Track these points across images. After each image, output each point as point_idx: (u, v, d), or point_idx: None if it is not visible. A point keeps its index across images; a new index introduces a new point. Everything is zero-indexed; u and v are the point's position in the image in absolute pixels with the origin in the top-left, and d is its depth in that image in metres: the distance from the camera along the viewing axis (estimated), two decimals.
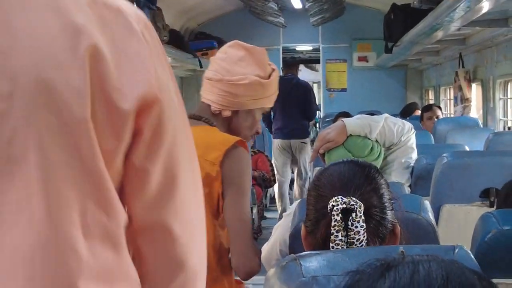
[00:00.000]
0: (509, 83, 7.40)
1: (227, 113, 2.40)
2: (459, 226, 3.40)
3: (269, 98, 2.44)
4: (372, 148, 3.10)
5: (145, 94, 1.14)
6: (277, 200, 8.70)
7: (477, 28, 6.36)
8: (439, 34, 6.35)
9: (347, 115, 6.64)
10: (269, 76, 2.41)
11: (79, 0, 1.11)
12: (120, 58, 1.12)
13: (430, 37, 6.61)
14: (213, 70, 2.42)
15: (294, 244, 2.09)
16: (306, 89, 8.48)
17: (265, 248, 2.69)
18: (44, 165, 1.07)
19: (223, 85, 2.37)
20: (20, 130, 1.06)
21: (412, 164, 3.52)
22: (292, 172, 8.84)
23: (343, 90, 12.71)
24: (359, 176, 1.67)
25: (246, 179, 2.34)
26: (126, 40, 1.14)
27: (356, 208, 1.58)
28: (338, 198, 1.59)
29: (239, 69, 2.36)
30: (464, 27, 5.93)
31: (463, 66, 8.46)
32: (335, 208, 1.58)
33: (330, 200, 1.59)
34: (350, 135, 3.09)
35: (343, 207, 1.58)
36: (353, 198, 1.60)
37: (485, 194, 3.44)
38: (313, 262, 1.37)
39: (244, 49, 2.41)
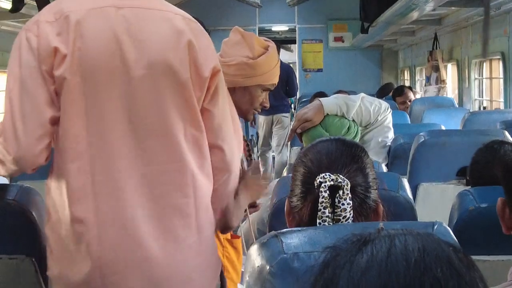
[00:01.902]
0: (484, 63, 7.44)
1: None
2: (436, 204, 3.43)
3: (264, 76, 2.76)
4: (349, 128, 3.11)
5: (214, 67, 2.01)
6: (260, 165, 9.06)
7: (453, 8, 6.38)
8: (415, 15, 6.37)
9: (323, 95, 6.66)
10: (259, 56, 2.73)
11: (177, 16, 2.02)
12: (201, 47, 1.99)
13: (405, 17, 6.63)
14: (219, 52, 2.77)
15: (274, 223, 2.09)
16: (288, 71, 9.23)
17: (243, 227, 2.70)
18: (164, 104, 1.95)
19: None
20: (152, 86, 1.94)
21: (388, 143, 3.54)
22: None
23: (319, 70, 12.74)
24: (346, 155, 1.67)
25: None
26: (202, 38, 2.03)
27: (344, 185, 1.58)
28: (326, 175, 1.58)
29: (233, 51, 2.77)
30: (440, 7, 5.96)
31: (437, 47, 8.49)
32: (323, 185, 1.57)
33: (318, 177, 1.59)
34: (327, 114, 3.10)
35: (330, 184, 1.58)
36: (340, 176, 1.59)
37: (462, 173, 3.47)
38: (294, 239, 1.37)
39: (240, 34, 2.80)
